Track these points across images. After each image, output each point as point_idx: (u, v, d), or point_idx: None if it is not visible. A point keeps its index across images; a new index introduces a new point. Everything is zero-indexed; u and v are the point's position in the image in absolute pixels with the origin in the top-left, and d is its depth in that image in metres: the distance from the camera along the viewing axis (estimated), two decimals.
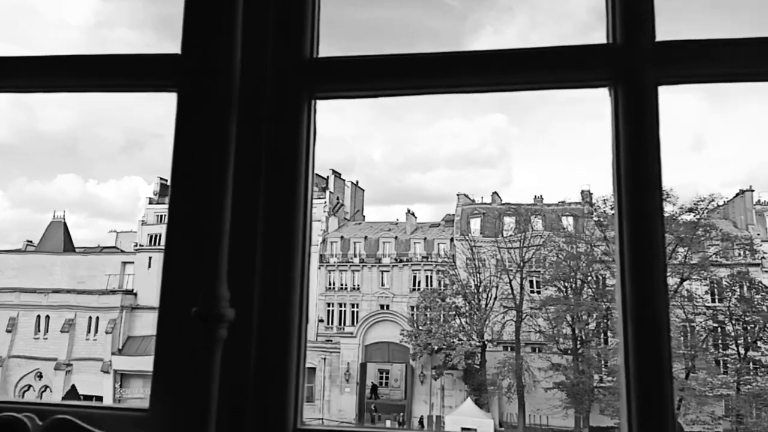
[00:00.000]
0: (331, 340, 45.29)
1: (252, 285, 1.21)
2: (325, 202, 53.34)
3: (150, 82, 1.40)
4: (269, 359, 1.21)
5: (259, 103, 1.28)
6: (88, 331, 41.23)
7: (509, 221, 42.97)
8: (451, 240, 46.58)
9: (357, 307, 48.23)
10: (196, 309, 1.14)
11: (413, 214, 52.00)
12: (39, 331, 41.66)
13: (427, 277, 46.95)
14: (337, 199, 55.15)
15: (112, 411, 1.30)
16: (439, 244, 47.69)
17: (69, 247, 48.48)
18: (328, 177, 55.73)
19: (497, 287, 40.74)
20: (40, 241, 49.15)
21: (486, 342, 39.45)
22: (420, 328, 40.39)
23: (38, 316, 41.86)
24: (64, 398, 35.14)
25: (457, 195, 48.57)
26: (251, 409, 1.19)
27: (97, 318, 41.27)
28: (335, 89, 1.33)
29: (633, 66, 1.20)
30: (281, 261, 1.22)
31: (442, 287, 43.33)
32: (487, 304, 40.46)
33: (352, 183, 57.88)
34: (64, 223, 49.67)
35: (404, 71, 1.29)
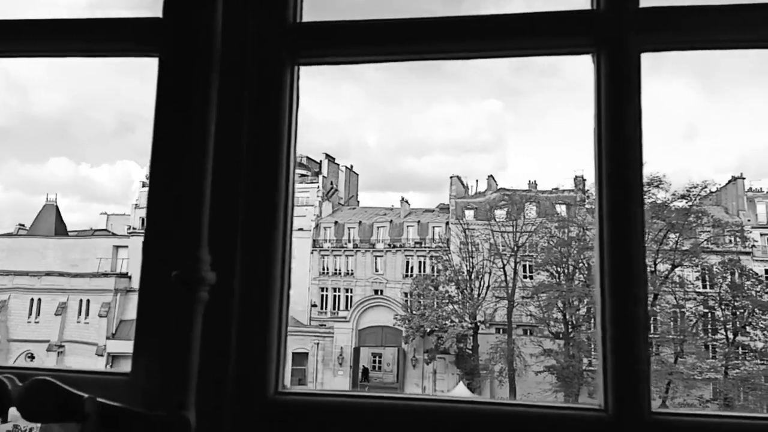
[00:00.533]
0: (325, 325, 45.46)
1: (234, 249, 1.21)
2: (319, 187, 53.20)
3: (131, 47, 1.39)
4: (251, 323, 1.21)
5: (241, 68, 1.27)
6: (79, 314, 41.18)
7: (500, 213, 43.12)
8: (447, 224, 46.68)
9: (351, 292, 48.39)
10: (177, 272, 1.14)
11: (407, 202, 52.02)
12: (32, 314, 41.60)
13: (420, 262, 47.08)
14: (331, 183, 55.01)
15: (93, 375, 1.31)
16: (434, 227, 47.76)
17: (61, 230, 48.29)
18: (321, 161, 55.50)
19: (490, 273, 40.97)
20: (33, 224, 48.91)
21: (478, 324, 39.77)
22: (413, 312, 40.66)
23: (31, 300, 41.80)
24: None
25: (450, 178, 48.45)
26: (233, 373, 1.19)
27: (88, 301, 41.19)
28: (319, 54, 1.32)
29: (616, 32, 1.19)
30: (264, 225, 1.22)
31: (435, 273, 43.54)
32: (479, 294, 40.70)
33: (346, 167, 57.68)
34: (56, 207, 49.42)
35: (388, 37, 1.28)
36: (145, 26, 1.34)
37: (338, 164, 56.97)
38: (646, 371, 1.10)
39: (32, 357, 40.69)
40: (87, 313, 41.29)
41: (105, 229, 50.45)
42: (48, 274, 41.80)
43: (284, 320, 1.24)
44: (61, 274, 41.76)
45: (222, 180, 1.21)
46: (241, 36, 1.27)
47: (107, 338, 39.97)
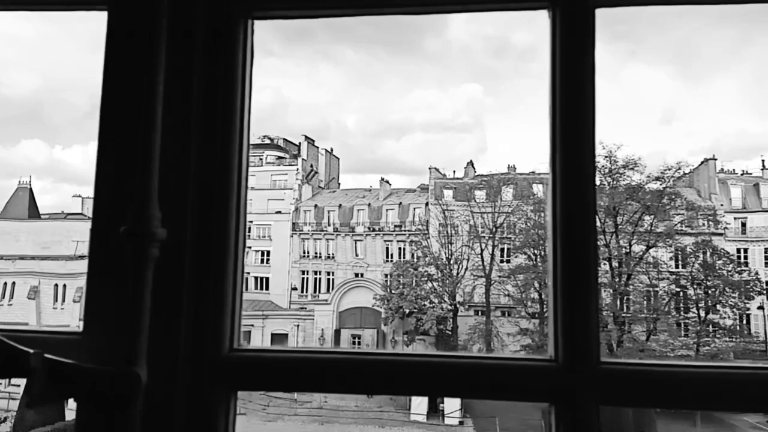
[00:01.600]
0: (305, 308, 45.52)
1: (185, 204, 1.19)
2: (298, 170, 52.84)
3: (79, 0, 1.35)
4: (204, 280, 1.20)
5: (193, 22, 1.24)
6: (55, 300, 40.61)
7: (480, 194, 43.41)
8: (426, 204, 46.82)
9: (332, 275, 48.41)
10: (125, 227, 1.12)
11: (387, 182, 51.95)
12: (4, 297, 40.94)
13: (399, 249, 47.23)
14: (311, 166, 54.66)
15: (45, 334, 1.29)
16: (414, 208, 47.87)
17: (34, 213, 47.37)
18: (300, 144, 55.07)
19: (468, 259, 41.31)
20: (5, 207, 47.88)
21: (457, 305, 40.17)
22: (392, 292, 40.86)
23: (5, 283, 41.09)
24: None
25: (429, 168, 48.60)
26: (186, 330, 1.18)
27: (64, 286, 40.60)
28: (274, 8, 1.30)
29: None
30: (217, 180, 1.21)
31: (414, 259, 43.79)
32: (458, 273, 41.08)
33: (326, 150, 57.32)
34: (30, 189, 48.41)
35: None
36: None
37: (318, 147, 56.58)
38: (594, 323, 1.12)
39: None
40: (63, 299, 40.72)
41: (81, 213, 49.57)
42: (21, 257, 41.07)
43: (239, 278, 1.23)
44: (33, 258, 41.07)
45: (173, 135, 1.19)
46: None
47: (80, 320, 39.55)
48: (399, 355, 1.25)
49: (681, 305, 35.94)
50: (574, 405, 1.10)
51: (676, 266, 36.68)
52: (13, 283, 40.88)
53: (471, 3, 1.24)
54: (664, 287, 35.64)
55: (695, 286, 35.40)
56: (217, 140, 1.21)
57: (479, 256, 40.87)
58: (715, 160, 42.96)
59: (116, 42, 1.24)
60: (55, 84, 59.76)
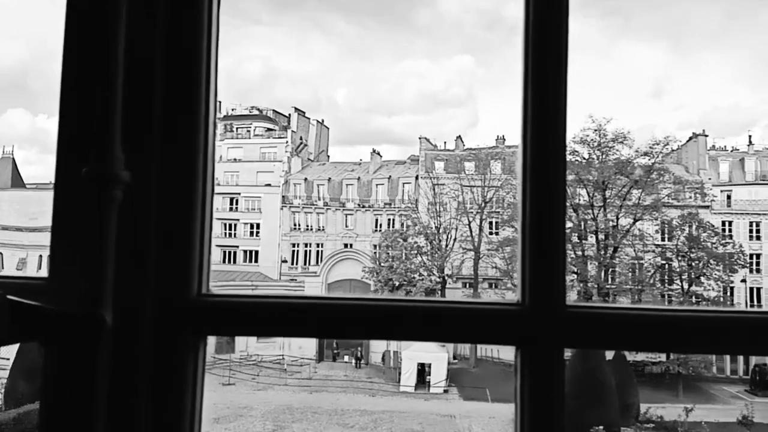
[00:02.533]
0: (295, 280, 45.69)
1: (149, 147, 1.16)
2: (287, 142, 52.45)
3: None
4: (170, 225, 1.18)
5: None
6: (39, 269, 40.44)
7: (469, 166, 43.40)
8: (416, 178, 46.79)
9: (321, 247, 48.50)
10: (87, 169, 1.10)
11: (378, 153, 51.74)
12: None
13: (389, 220, 47.31)
14: (301, 138, 54.25)
15: (10, 279, 1.27)
16: (404, 183, 47.84)
17: (18, 183, 46.81)
18: (290, 115, 54.53)
19: (456, 229, 41.50)
20: None
21: (446, 278, 40.48)
22: (381, 264, 41.08)
23: None
24: None
25: (419, 139, 48.40)
26: (153, 274, 1.17)
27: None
28: None
29: None
30: (182, 122, 1.18)
31: (404, 228, 43.90)
32: (447, 245, 41.29)
33: (317, 121, 56.84)
34: (13, 159, 47.77)
35: None
36: None
37: (308, 118, 56.07)
38: (560, 267, 1.12)
39: None
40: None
41: None
42: (5, 228, 40.71)
43: (207, 222, 1.21)
44: (18, 229, 40.73)
45: (136, 72, 1.16)
46: None
47: None
48: (371, 300, 1.25)
49: (666, 277, 36.46)
50: (539, 348, 1.11)
51: (662, 239, 37.11)
52: (0, 254, 40.61)
53: None
54: (649, 260, 36.10)
55: (680, 259, 35.89)
56: (181, 75, 1.18)
57: (467, 226, 41.10)
58: (706, 136, 43.11)
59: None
60: (40, 52, 58.51)
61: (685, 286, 35.22)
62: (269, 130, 54.34)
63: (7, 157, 47.58)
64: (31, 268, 40.50)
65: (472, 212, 41.37)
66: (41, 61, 59.55)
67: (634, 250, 35.63)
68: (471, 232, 41.05)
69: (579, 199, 35.82)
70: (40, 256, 40.36)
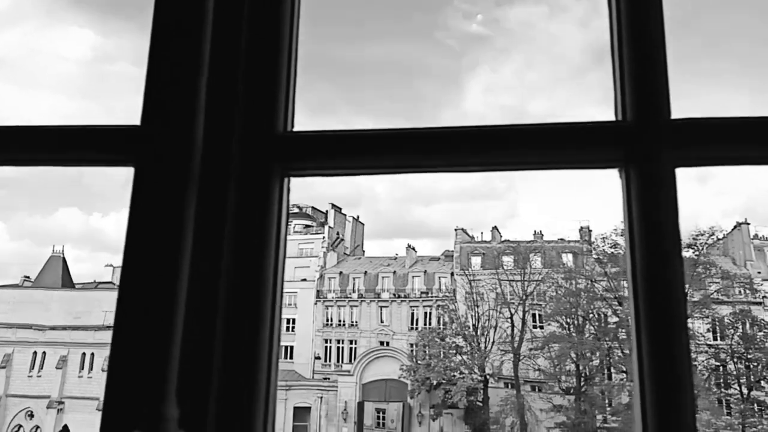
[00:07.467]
0: (328, 378, 44.52)
1: (207, 402, 1.04)
2: (324, 237, 53.17)
3: (106, 157, 1.26)
4: None
5: (225, 180, 1.14)
6: (81, 368, 40.52)
7: (508, 260, 42.83)
8: (452, 274, 46.28)
9: (355, 344, 47.56)
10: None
11: (413, 249, 51.77)
12: (33, 368, 40.99)
13: (426, 313, 46.44)
14: (337, 234, 54.98)
15: None
16: (439, 277, 47.34)
17: (67, 282, 48.09)
18: (327, 212, 55.66)
19: (496, 328, 40.18)
20: (38, 275, 48.79)
21: (488, 377, 38.75)
22: (419, 362, 39.71)
23: (34, 353, 41.24)
24: None
25: (455, 230, 48.36)
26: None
27: (92, 354, 40.56)
28: (311, 167, 1.19)
29: (646, 147, 1.06)
30: (244, 371, 1.06)
31: (441, 326, 42.88)
32: (486, 347, 39.91)
33: (353, 218, 57.82)
34: (63, 258, 49.38)
35: (387, 148, 1.15)
36: (122, 135, 1.21)
37: (345, 214, 57.13)
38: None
39: (32, 415, 39.83)
40: (91, 368, 40.61)
41: (110, 282, 50.22)
42: (53, 328, 41.42)
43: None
44: (64, 328, 41.38)
45: (196, 316, 1.06)
46: (226, 146, 1.15)
47: None
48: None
49: (721, 381, 34.12)
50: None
51: (714, 338, 35.14)
52: (44, 353, 41.04)
53: (539, 162, 1.12)
54: (702, 361, 34.01)
55: (735, 360, 33.70)
56: (246, 321, 1.07)
57: (509, 320, 39.72)
58: (749, 224, 41.90)
59: (142, 202, 1.13)
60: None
61: (744, 391, 32.75)
62: (307, 226, 55.40)
63: (57, 256, 49.23)
64: (73, 367, 40.65)
65: (513, 303, 40.19)
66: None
67: None
68: (513, 325, 39.58)
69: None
70: (83, 354, 40.63)
